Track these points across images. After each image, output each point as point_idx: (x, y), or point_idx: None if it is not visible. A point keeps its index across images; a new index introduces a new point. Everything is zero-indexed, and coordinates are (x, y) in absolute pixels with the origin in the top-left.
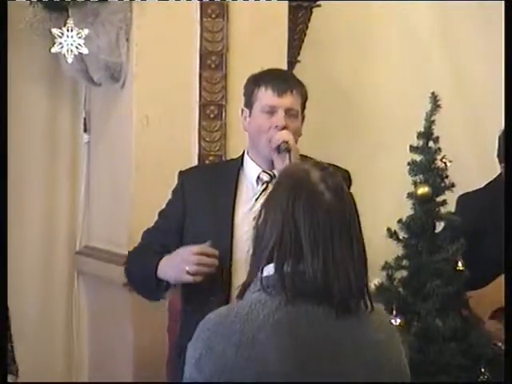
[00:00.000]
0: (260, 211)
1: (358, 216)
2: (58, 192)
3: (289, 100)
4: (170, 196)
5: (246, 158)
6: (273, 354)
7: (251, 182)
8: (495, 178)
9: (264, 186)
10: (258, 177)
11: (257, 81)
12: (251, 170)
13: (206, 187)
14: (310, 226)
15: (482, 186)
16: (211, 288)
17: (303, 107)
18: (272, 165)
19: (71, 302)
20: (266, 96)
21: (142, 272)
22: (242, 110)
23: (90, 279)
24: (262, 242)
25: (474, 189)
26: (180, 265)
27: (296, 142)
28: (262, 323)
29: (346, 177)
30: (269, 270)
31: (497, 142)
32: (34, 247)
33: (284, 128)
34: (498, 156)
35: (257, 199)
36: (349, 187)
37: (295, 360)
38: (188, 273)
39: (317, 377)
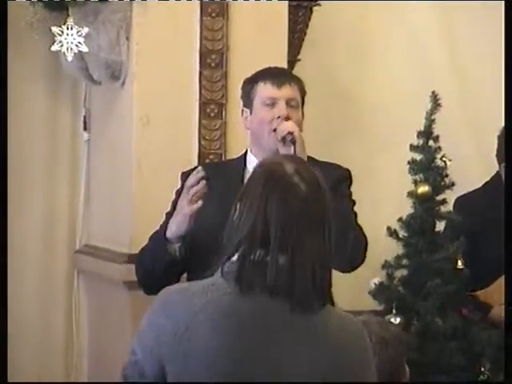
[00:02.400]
0: (235, 202)
1: (329, 213)
2: (57, 190)
3: (288, 91)
4: (173, 196)
5: (250, 156)
6: (207, 336)
7: None
8: (492, 178)
9: None
10: None
11: (254, 79)
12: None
13: (210, 189)
14: (282, 219)
15: (479, 186)
16: None
17: (302, 102)
18: None
19: (71, 300)
20: (265, 89)
21: (153, 250)
22: (242, 111)
23: (90, 278)
24: (234, 231)
25: (472, 189)
26: (181, 211)
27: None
28: (204, 306)
29: (347, 176)
30: (234, 257)
31: (496, 141)
32: (33, 246)
33: (287, 118)
34: (497, 156)
35: None
36: (349, 186)
37: (230, 349)
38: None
39: (250, 371)
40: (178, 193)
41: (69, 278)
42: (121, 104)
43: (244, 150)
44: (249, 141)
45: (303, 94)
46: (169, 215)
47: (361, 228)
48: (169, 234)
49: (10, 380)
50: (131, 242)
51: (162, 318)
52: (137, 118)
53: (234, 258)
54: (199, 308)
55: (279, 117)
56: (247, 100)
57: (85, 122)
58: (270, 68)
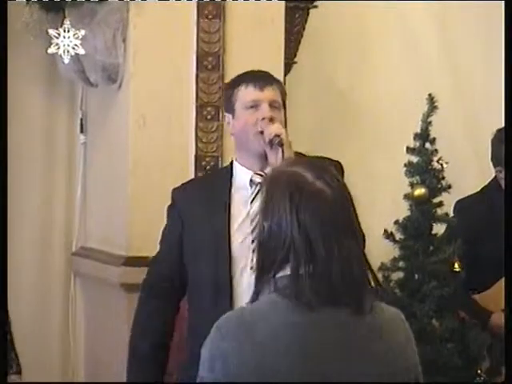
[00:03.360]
0: (260, 218)
1: (354, 206)
2: (54, 193)
3: (270, 93)
4: (165, 214)
5: (236, 165)
6: (285, 357)
7: (245, 187)
8: (490, 182)
9: (258, 187)
10: (251, 180)
11: (234, 83)
12: (243, 176)
13: (200, 201)
14: (319, 228)
15: (478, 189)
16: (214, 297)
17: (284, 104)
18: (263, 164)
19: (68, 302)
20: (247, 93)
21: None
22: (225, 117)
23: (87, 280)
24: (270, 247)
25: (471, 192)
26: None
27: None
28: (276, 325)
29: (339, 168)
30: (282, 273)
31: (487, 144)
32: (30, 248)
33: (271, 119)
34: (492, 160)
35: (252, 201)
36: (342, 177)
37: (309, 365)
38: None
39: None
40: (170, 211)
41: (65, 280)
42: (117, 106)
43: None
44: (234, 148)
45: (284, 96)
46: (164, 232)
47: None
48: None
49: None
50: (128, 245)
51: (235, 346)
52: (133, 120)
53: (279, 275)
54: (270, 331)
55: (263, 118)
56: (229, 105)
57: (81, 125)
58: (249, 71)
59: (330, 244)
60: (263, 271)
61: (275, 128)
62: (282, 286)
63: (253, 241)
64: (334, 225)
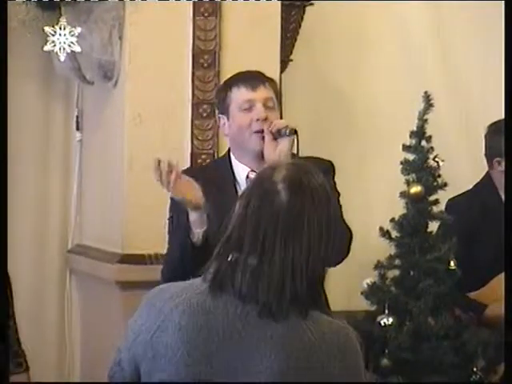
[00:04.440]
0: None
1: (330, 219)
2: (50, 190)
3: (264, 92)
4: (161, 211)
5: (233, 158)
6: (174, 336)
7: (242, 181)
8: (482, 179)
9: None
10: (247, 176)
11: (227, 85)
12: (240, 171)
13: (207, 189)
14: (256, 223)
15: (471, 186)
16: None
17: (278, 103)
18: (260, 163)
19: (63, 300)
20: (240, 94)
21: (175, 242)
22: (219, 118)
23: (83, 277)
24: (221, 235)
25: (465, 189)
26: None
27: None
28: (175, 305)
29: (329, 166)
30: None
31: (483, 140)
32: (26, 245)
33: (265, 119)
34: (486, 155)
35: None
36: (333, 177)
37: (191, 348)
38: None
39: (209, 371)
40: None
41: (61, 277)
42: (113, 104)
43: (224, 152)
44: (230, 147)
45: (278, 94)
46: (171, 220)
47: (345, 221)
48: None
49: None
50: (123, 242)
51: (143, 317)
52: (129, 117)
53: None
54: (170, 308)
55: (258, 119)
56: (223, 107)
57: (77, 122)
58: (241, 72)
59: (260, 242)
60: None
61: (283, 121)
62: (207, 272)
63: None
64: (272, 226)
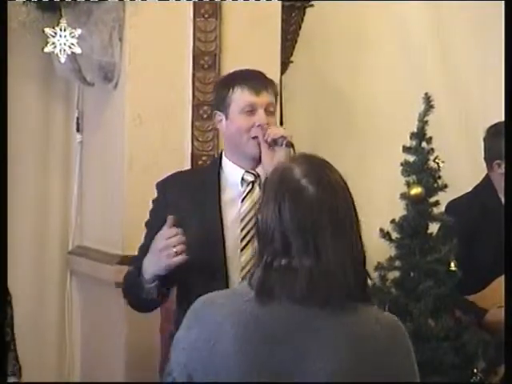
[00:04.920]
0: (258, 209)
1: (354, 208)
2: (50, 191)
3: (267, 98)
4: (151, 206)
5: (225, 160)
6: (233, 346)
7: (236, 183)
8: (481, 181)
9: (249, 186)
10: (242, 178)
11: (230, 83)
12: (234, 173)
13: (190, 195)
14: (297, 225)
15: (471, 188)
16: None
17: (277, 104)
18: (256, 164)
19: (64, 301)
20: (243, 96)
21: (133, 284)
22: (215, 114)
23: (83, 279)
24: (259, 239)
25: (465, 191)
26: (162, 253)
27: None
28: (227, 315)
29: None
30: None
31: (482, 143)
32: (26, 247)
33: (266, 125)
34: (485, 158)
35: (243, 200)
36: None
37: (253, 356)
38: (175, 255)
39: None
40: (157, 204)
41: (61, 279)
42: (114, 105)
43: (218, 154)
44: (224, 145)
45: (277, 96)
46: (149, 225)
47: None
48: (148, 272)
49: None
50: (123, 244)
51: (194, 332)
52: (129, 119)
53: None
54: (223, 318)
55: (259, 125)
56: (222, 104)
57: (78, 124)
58: (245, 71)
59: (306, 241)
60: (259, 260)
61: (281, 131)
62: (254, 277)
63: (242, 240)
64: (312, 223)
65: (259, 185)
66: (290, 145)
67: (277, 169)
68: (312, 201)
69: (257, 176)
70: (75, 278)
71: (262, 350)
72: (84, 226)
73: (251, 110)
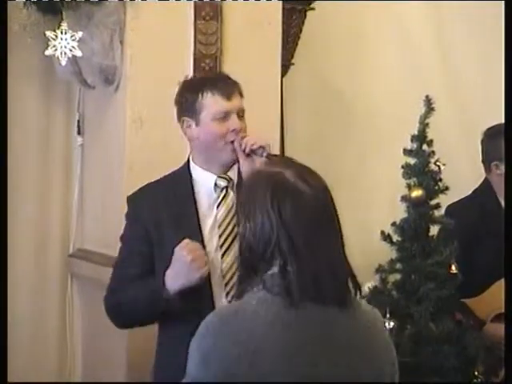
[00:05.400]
0: (242, 219)
1: (335, 208)
2: (51, 194)
3: (237, 102)
4: (124, 221)
5: (194, 167)
6: (273, 355)
7: (208, 190)
8: (480, 185)
9: (224, 191)
10: (215, 184)
11: (198, 88)
12: (206, 179)
13: (165, 209)
14: (301, 225)
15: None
16: (192, 306)
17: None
18: (228, 168)
19: (65, 304)
20: (215, 103)
21: (144, 297)
22: (183, 121)
23: (84, 282)
24: (255, 247)
25: (466, 193)
26: (192, 265)
27: None
28: (270, 322)
29: None
30: (269, 272)
31: (480, 145)
32: (27, 250)
33: (240, 130)
34: (483, 161)
35: (218, 206)
36: None
37: (297, 364)
38: (203, 266)
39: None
40: (131, 218)
41: (62, 282)
42: (114, 108)
43: (184, 162)
44: (191, 151)
45: (243, 97)
46: (126, 241)
47: None
48: (173, 287)
49: None
50: None
51: (230, 343)
52: (130, 122)
53: (267, 274)
54: (251, 329)
55: (234, 130)
56: (191, 110)
57: (78, 127)
58: (212, 76)
59: (312, 242)
60: (248, 270)
61: (258, 140)
62: (270, 284)
63: (221, 246)
64: (315, 223)
65: (232, 189)
66: (267, 156)
67: (260, 174)
68: (311, 201)
69: (229, 180)
70: (76, 281)
71: (303, 352)
72: (85, 228)
73: (225, 116)
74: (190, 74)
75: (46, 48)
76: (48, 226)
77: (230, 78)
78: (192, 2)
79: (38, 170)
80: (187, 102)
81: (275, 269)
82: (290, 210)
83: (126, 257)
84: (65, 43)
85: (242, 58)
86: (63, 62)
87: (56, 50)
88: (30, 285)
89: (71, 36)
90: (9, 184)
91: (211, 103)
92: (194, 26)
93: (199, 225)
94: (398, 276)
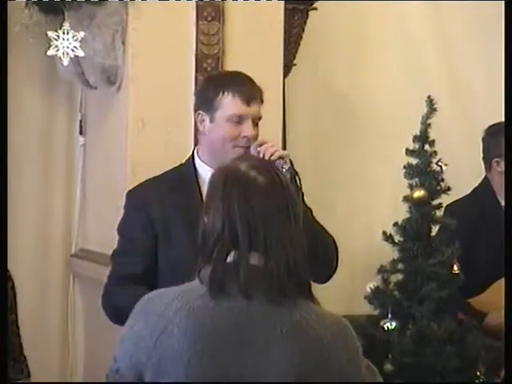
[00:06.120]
0: (204, 208)
1: (295, 199)
2: (53, 194)
3: (256, 108)
4: (124, 214)
5: (198, 161)
6: (180, 340)
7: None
8: (480, 184)
9: None
10: None
11: (220, 86)
12: (204, 173)
13: (170, 196)
14: (247, 216)
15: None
16: None
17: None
18: None
19: (67, 304)
20: (233, 105)
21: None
22: (198, 114)
23: (86, 282)
24: (207, 236)
25: (462, 196)
26: None
27: None
28: (177, 310)
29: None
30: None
31: (481, 143)
32: (29, 250)
33: (253, 138)
34: (483, 159)
35: None
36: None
37: (202, 352)
38: None
39: (223, 373)
40: (128, 208)
41: (64, 282)
42: (116, 108)
43: (188, 156)
44: (198, 145)
45: (262, 102)
46: (123, 230)
47: (327, 232)
48: None
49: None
50: None
51: (140, 324)
52: (132, 122)
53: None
54: (173, 312)
55: (245, 136)
56: (209, 106)
57: (81, 126)
58: (236, 76)
59: (257, 234)
60: (202, 259)
61: (278, 151)
62: (203, 274)
63: None
64: (264, 214)
65: None
66: (294, 172)
67: (219, 167)
68: (262, 190)
69: None
70: (78, 281)
71: (214, 344)
72: (87, 228)
73: (239, 121)
74: (192, 74)
75: (48, 48)
76: (50, 226)
77: (254, 83)
78: (194, 3)
79: (40, 170)
80: (207, 96)
81: (212, 259)
82: (237, 198)
83: (124, 247)
84: (67, 43)
85: (244, 58)
86: (65, 63)
87: (58, 50)
88: (32, 285)
89: (73, 36)
90: (11, 184)
91: (229, 104)
92: (196, 27)
93: None
94: (399, 276)
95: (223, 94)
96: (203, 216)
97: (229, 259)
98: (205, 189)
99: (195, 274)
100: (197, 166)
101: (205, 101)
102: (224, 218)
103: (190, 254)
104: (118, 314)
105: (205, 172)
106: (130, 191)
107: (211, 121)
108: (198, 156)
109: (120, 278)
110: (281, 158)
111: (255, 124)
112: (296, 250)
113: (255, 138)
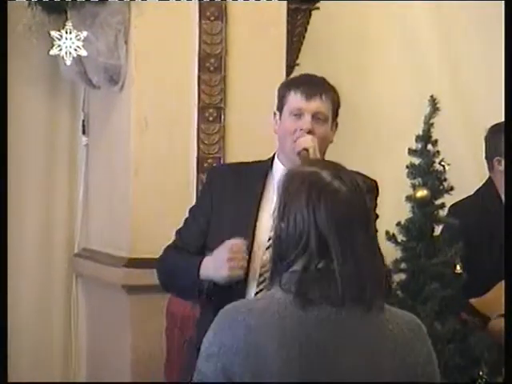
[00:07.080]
0: (277, 217)
1: (370, 206)
2: (56, 194)
3: (316, 104)
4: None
5: (276, 160)
6: (274, 349)
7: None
8: (484, 184)
9: None
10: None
11: (288, 85)
12: (278, 172)
13: (232, 188)
14: (335, 227)
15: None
16: (228, 294)
17: (335, 114)
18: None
19: (70, 304)
20: (294, 99)
21: (182, 273)
22: (275, 114)
23: (89, 281)
24: (286, 244)
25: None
26: (227, 263)
27: (324, 148)
28: (268, 321)
29: (373, 187)
30: (292, 269)
31: (484, 142)
32: (32, 249)
33: (309, 132)
34: (486, 158)
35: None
36: (376, 197)
37: (297, 364)
38: (238, 269)
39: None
40: (203, 190)
41: (67, 281)
42: (119, 108)
43: (272, 154)
44: (277, 145)
45: (336, 106)
46: (192, 212)
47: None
48: (205, 274)
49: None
50: (130, 246)
51: (229, 337)
52: (135, 121)
53: (291, 269)
54: (264, 324)
55: (302, 129)
56: (279, 104)
57: (83, 126)
58: (307, 76)
59: (344, 242)
60: (277, 266)
61: (306, 141)
62: (285, 282)
63: (268, 239)
64: (348, 224)
65: None
66: (303, 158)
67: (295, 174)
68: (346, 201)
69: None
70: (81, 281)
71: (307, 352)
72: (90, 228)
73: (299, 114)
74: (195, 73)
75: (51, 48)
76: (53, 225)
77: (322, 82)
78: (197, 2)
79: (43, 170)
80: (279, 96)
81: (297, 267)
82: (324, 210)
83: (188, 222)
84: (70, 43)
85: (247, 57)
86: (68, 62)
87: (61, 49)
88: (35, 284)
89: (76, 36)
90: (14, 184)
91: (291, 100)
92: (198, 26)
93: (256, 216)
94: (402, 276)
95: (289, 91)
96: (279, 222)
97: (313, 268)
98: (271, 186)
99: (273, 281)
100: (274, 163)
101: (278, 101)
102: (310, 227)
103: (234, 233)
104: (172, 275)
105: (277, 169)
106: (207, 170)
107: (280, 118)
108: (277, 156)
109: (178, 247)
110: (305, 149)
111: (317, 119)
112: (378, 256)
113: (313, 132)
